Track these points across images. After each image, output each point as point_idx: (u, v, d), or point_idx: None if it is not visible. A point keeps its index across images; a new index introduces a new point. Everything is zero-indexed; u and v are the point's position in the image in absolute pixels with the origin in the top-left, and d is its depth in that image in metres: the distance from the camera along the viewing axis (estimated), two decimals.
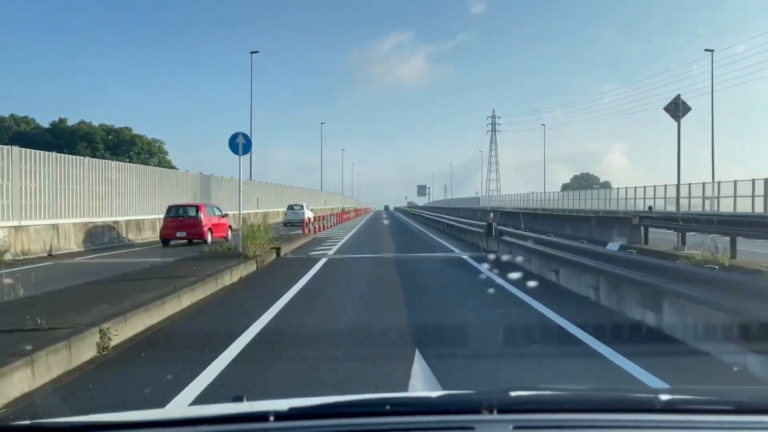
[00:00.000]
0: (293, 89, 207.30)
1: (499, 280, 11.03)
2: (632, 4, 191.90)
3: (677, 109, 20.76)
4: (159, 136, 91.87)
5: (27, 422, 1.56)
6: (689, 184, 43.31)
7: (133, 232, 24.47)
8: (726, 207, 33.55)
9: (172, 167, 43.06)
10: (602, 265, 8.56)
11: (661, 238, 17.75)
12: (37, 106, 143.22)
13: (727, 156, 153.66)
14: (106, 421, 1.54)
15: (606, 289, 8.27)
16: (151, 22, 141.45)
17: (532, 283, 9.92)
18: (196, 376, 5.02)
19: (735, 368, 5.14)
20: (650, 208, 29.16)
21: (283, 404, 1.50)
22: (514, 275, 10.87)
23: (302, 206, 42.42)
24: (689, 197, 41.99)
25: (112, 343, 6.09)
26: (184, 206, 22.60)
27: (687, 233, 15.33)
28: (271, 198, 46.31)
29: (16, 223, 17.33)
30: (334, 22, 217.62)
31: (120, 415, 1.59)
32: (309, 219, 36.34)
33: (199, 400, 4.48)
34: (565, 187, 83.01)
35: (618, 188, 48.18)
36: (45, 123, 70.83)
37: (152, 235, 24.97)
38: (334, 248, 19.73)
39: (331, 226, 35.80)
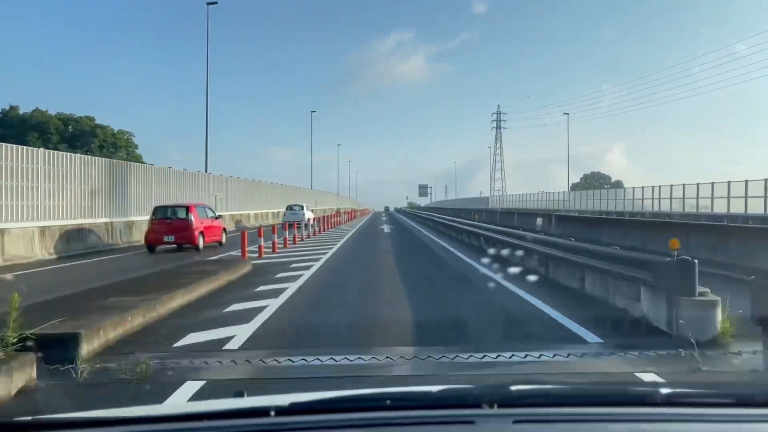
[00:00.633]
0: (293, 89, 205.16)
1: None
2: (636, 3, 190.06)
3: None
4: (129, 128, 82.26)
5: (28, 418, 1.55)
6: (697, 184, 41.29)
7: (123, 236, 21.99)
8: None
9: (142, 162, 36.93)
10: None
11: None
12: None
13: (730, 156, 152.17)
14: (107, 417, 1.53)
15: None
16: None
17: None
18: None
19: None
20: None
21: (284, 399, 1.50)
22: None
23: (302, 207, 40.02)
24: (671, 197, 40.05)
25: None
26: (172, 207, 20.11)
27: None
28: (241, 196, 40.63)
29: None
30: (334, 22, 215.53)
31: (120, 410, 1.58)
32: (309, 220, 34.12)
33: None
34: (574, 187, 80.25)
35: (634, 188, 45.63)
36: None
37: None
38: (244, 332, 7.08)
39: (310, 236, 26.38)
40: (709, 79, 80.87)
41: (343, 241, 23.40)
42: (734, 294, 6.61)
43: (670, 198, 40.88)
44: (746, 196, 31.70)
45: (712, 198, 35.32)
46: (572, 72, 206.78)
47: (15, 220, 16.73)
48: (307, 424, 1.42)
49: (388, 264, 15.39)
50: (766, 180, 29.78)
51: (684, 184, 39.32)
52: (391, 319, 7.92)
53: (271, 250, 17.95)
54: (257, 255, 16.45)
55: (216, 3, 34.92)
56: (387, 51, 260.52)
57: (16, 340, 5.07)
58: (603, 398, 1.56)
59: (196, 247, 18.79)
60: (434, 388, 1.57)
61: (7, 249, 16.03)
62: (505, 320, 7.82)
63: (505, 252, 14.14)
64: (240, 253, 16.05)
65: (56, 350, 5.47)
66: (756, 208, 30.08)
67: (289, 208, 40.57)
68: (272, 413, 1.43)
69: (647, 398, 1.53)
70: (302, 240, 23.73)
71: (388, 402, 1.50)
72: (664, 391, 1.53)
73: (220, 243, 20.99)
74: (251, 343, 6.50)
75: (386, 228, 35.03)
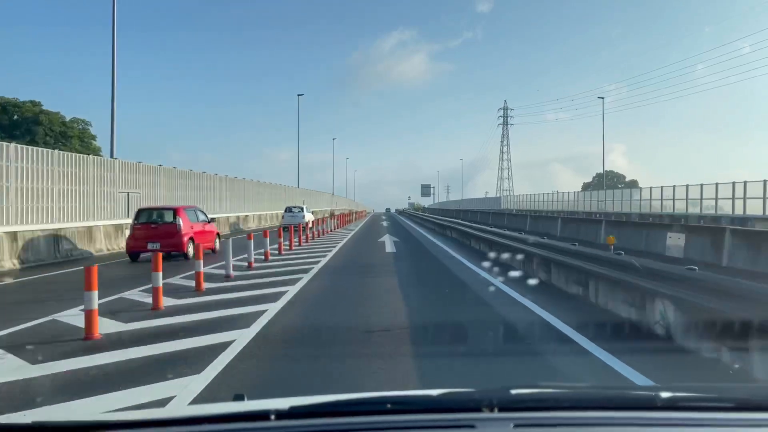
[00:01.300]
0: (293, 87, 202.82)
1: None
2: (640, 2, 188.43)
3: None
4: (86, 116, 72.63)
5: (29, 422, 1.47)
6: (716, 184, 39.36)
7: (103, 241, 19.52)
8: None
9: (99, 155, 31.71)
10: None
11: None
12: None
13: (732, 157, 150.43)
14: (108, 421, 1.52)
15: None
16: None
17: None
18: None
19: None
20: None
21: (284, 403, 1.48)
22: None
23: (302, 208, 37.60)
24: (686, 198, 38.03)
25: None
26: (158, 209, 17.69)
27: None
28: (205, 195, 32.12)
29: None
30: (335, 22, 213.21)
31: (121, 414, 1.69)
32: (309, 223, 31.66)
33: None
34: (586, 186, 77.35)
35: (651, 188, 43.24)
36: None
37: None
38: None
39: (271, 256, 16.72)
40: (711, 76, 78.50)
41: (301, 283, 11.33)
42: None
43: (686, 199, 38.75)
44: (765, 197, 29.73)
45: (744, 198, 33.36)
46: (573, 71, 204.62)
47: None
48: (307, 428, 1.40)
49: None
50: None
51: (702, 185, 37.14)
52: None
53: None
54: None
55: None
56: (388, 50, 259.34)
57: None
58: (603, 402, 1.53)
59: (185, 255, 16.36)
60: (434, 392, 1.54)
61: None
62: None
63: None
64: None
65: None
66: None
67: (288, 210, 38.11)
68: (272, 417, 1.42)
69: (647, 402, 1.53)
70: (252, 269, 14.16)
71: (389, 405, 1.49)
72: (664, 395, 1.50)
73: (213, 250, 18.55)
74: None
75: (388, 243, 22.18)
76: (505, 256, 13.56)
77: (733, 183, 33.56)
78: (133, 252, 16.41)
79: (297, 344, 6.88)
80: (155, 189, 26.15)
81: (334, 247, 21.15)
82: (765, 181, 29.99)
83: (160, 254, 9.68)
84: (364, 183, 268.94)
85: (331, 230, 33.04)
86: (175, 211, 16.87)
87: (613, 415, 1.45)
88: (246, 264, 14.71)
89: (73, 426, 1.48)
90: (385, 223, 44.71)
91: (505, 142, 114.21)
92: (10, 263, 15.22)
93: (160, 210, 17.50)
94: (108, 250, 19.91)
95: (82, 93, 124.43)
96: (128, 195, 23.51)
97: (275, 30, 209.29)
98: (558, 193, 55.78)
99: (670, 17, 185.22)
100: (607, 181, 79.13)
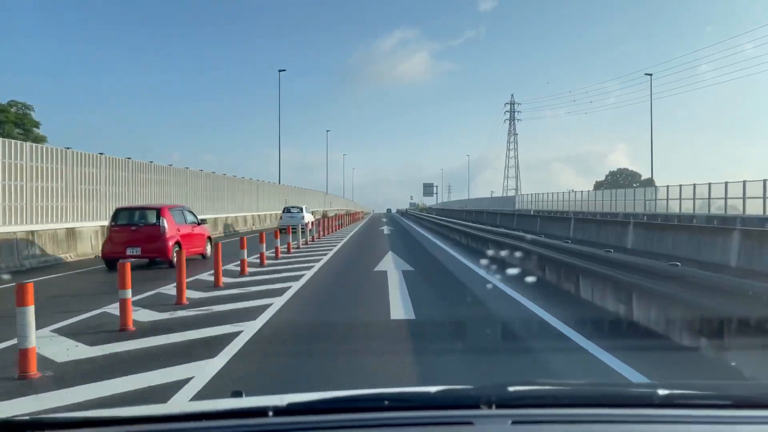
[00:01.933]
0: (293, 87, 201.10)
1: None
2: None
3: None
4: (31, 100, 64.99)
5: (26, 418, 1.46)
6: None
7: (80, 245, 17.38)
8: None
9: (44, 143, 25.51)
10: None
11: None
12: None
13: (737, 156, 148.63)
14: (106, 417, 1.51)
15: None
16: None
17: None
18: None
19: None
20: None
21: (281, 399, 1.47)
22: None
23: (301, 209, 35.34)
24: (709, 198, 36.24)
25: None
26: (139, 209, 15.53)
27: None
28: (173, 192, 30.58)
29: None
30: (336, 21, 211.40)
31: (119, 410, 1.55)
32: (309, 224, 29.46)
33: None
34: (599, 185, 74.56)
35: (668, 187, 41.05)
36: None
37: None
38: None
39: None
40: (713, 72, 76.35)
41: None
42: None
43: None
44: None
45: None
46: (575, 70, 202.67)
47: None
48: (304, 425, 1.40)
49: None
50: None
51: (727, 182, 35.04)
52: None
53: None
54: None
55: None
56: (389, 49, 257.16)
57: None
58: (601, 399, 1.53)
59: (170, 263, 14.20)
60: (432, 389, 1.54)
61: None
62: None
63: None
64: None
65: None
66: None
67: (286, 210, 35.90)
68: (270, 413, 1.41)
69: (645, 399, 1.54)
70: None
71: (386, 402, 1.48)
72: (662, 392, 1.50)
73: (203, 256, 16.41)
74: None
75: (392, 269, 13.35)
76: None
77: (764, 181, 31.49)
78: (110, 258, 14.22)
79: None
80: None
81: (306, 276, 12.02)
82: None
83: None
84: (365, 183, 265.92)
85: (318, 237, 26.54)
86: (159, 211, 14.71)
87: (611, 412, 1.43)
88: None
89: (70, 422, 1.46)
90: (386, 230, 33.26)
91: (511, 139, 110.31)
92: None
93: (142, 210, 15.35)
94: (77, 257, 17.76)
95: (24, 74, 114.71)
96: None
97: (276, 30, 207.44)
98: (572, 192, 53.52)
99: (670, 16, 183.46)
100: (621, 179, 76.34)
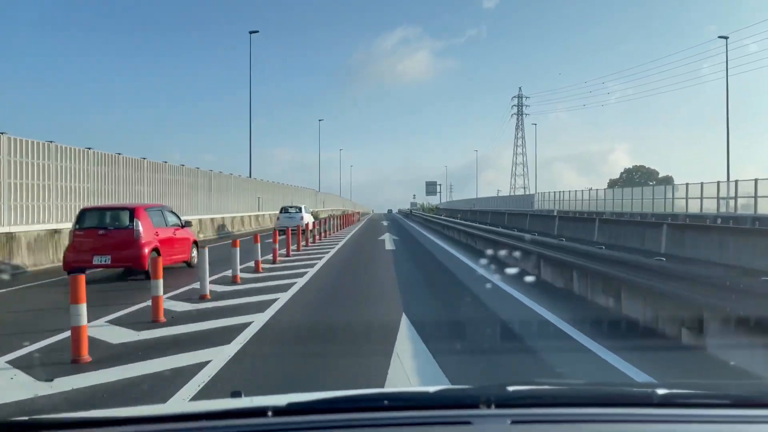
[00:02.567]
0: (293, 87, 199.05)
1: None
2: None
3: None
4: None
5: (25, 418, 1.46)
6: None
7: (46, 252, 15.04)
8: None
9: None
10: None
11: None
12: None
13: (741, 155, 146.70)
14: (104, 417, 1.48)
15: None
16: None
17: None
18: None
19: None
20: None
21: (281, 399, 1.46)
22: None
23: (300, 209, 32.99)
24: (735, 197, 34.30)
25: None
26: (109, 209, 13.19)
27: None
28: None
29: None
30: (336, 20, 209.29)
31: (118, 410, 1.53)
32: (309, 225, 27.16)
33: None
34: (613, 183, 71.86)
35: (687, 184, 38.76)
36: None
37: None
38: None
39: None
40: (713, 68, 74.09)
41: None
42: None
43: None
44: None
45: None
46: (577, 69, 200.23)
47: None
48: (304, 425, 1.39)
49: None
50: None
51: (757, 180, 32.88)
52: None
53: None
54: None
55: None
56: (390, 48, 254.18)
57: None
58: (600, 399, 1.52)
59: (146, 273, 11.86)
60: (431, 389, 1.53)
61: None
62: None
63: None
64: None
65: None
66: None
67: (284, 210, 33.55)
68: (269, 413, 1.39)
69: (644, 399, 1.52)
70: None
71: (385, 402, 1.47)
72: (661, 391, 1.49)
73: (188, 263, 14.08)
74: None
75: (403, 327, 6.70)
76: None
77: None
78: (73, 268, 11.86)
79: None
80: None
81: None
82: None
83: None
84: (366, 183, 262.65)
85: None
86: (133, 212, 12.34)
87: (610, 412, 1.42)
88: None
89: (68, 422, 1.45)
90: (384, 228, 27.27)
91: (519, 135, 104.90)
92: None
93: (113, 210, 12.98)
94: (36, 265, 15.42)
95: None
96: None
97: (275, 30, 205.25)
98: (593, 190, 50.84)
99: (671, 16, 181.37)
100: (637, 177, 73.11)
